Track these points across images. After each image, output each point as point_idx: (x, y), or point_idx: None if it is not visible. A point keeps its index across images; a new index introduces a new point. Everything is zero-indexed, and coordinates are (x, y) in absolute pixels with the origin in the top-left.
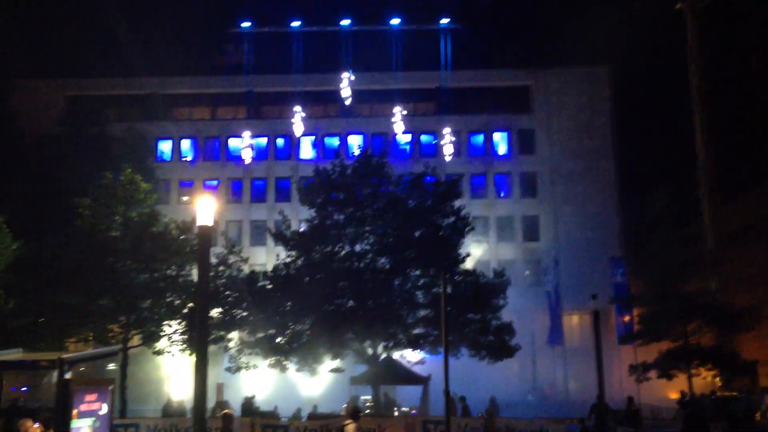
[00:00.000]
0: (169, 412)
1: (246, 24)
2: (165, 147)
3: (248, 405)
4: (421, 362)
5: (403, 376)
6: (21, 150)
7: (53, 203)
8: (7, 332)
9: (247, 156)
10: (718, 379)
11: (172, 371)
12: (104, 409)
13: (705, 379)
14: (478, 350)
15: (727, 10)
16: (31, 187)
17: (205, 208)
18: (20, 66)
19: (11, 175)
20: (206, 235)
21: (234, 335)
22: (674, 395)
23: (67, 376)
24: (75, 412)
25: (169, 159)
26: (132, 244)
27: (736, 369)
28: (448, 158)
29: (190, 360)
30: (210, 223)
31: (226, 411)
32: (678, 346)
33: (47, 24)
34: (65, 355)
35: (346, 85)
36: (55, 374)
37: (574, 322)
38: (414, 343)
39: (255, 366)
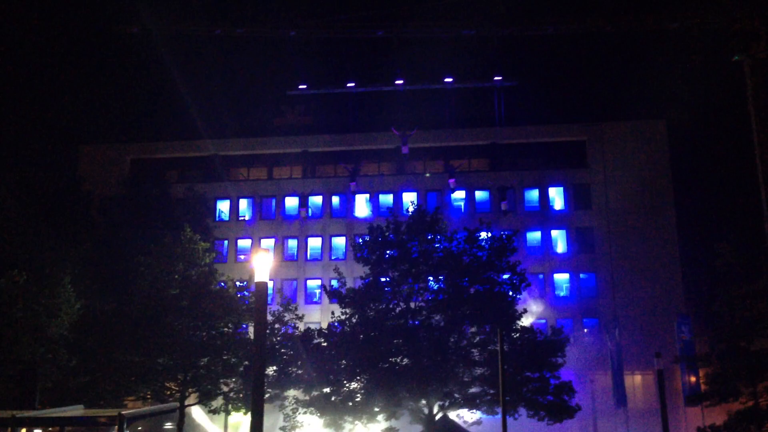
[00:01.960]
0: None
1: (302, 86)
2: (223, 207)
3: None
4: (477, 423)
5: None
6: (87, 212)
7: (116, 263)
8: (69, 390)
9: (303, 215)
10: None
11: (227, 430)
12: None
13: None
14: (536, 410)
15: None
16: (95, 248)
17: (262, 265)
18: (88, 132)
19: (77, 236)
20: (263, 291)
21: (289, 393)
22: None
23: None
24: None
25: (227, 218)
26: (190, 302)
27: None
28: (502, 214)
29: (245, 419)
30: (267, 279)
31: None
32: (748, 408)
33: (113, 92)
34: (125, 412)
35: (402, 143)
36: (114, 431)
37: (636, 382)
38: (470, 403)
39: (310, 425)
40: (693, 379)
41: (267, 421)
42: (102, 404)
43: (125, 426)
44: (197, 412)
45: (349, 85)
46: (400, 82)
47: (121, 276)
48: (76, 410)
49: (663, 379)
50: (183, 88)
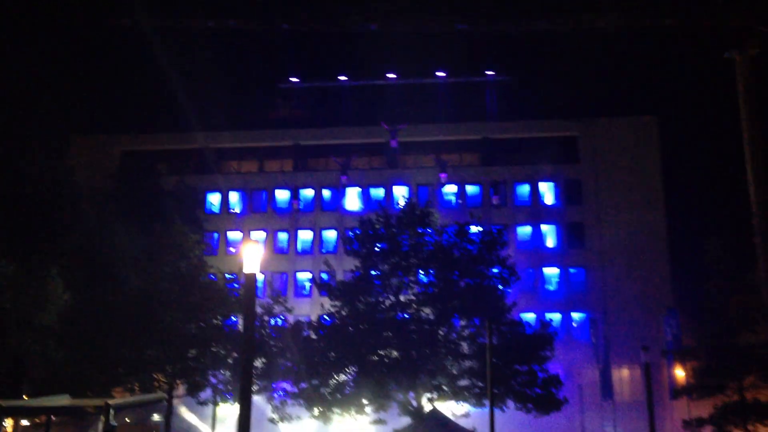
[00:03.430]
0: None
1: (294, 79)
2: (214, 199)
3: None
4: (465, 415)
5: (448, 429)
6: (76, 203)
7: (105, 255)
8: (56, 381)
9: (295, 206)
10: None
11: (215, 421)
12: None
13: None
14: (524, 403)
15: None
16: (84, 239)
17: (251, 256)
18: (78, 123)
19: (65, 227)
20: (252, 282)
21: (277, 385)
22: None
23: (113, 423)
24: None
25: (217, 211)
26: (179, 294)
27: None
28: (493, 209)
29: (233, 410)
30: (256, 270)
31: None
32: (734, 401)
33: (103, 83)
34: (111, 401)
35: (391, 137)
36: (101, 423)
37: (624, 375)
38: (459, 395)
39: (298, 417)
40: (680, 372)
41: (255, 413)
42: (89, 395)
43: (111, 415)
44: (185, 404)
45: (341, 78)
46: (393, 76)
47: (110, 268)
48: (62, 399)
49: (650, 373)
50: (174, 80)
